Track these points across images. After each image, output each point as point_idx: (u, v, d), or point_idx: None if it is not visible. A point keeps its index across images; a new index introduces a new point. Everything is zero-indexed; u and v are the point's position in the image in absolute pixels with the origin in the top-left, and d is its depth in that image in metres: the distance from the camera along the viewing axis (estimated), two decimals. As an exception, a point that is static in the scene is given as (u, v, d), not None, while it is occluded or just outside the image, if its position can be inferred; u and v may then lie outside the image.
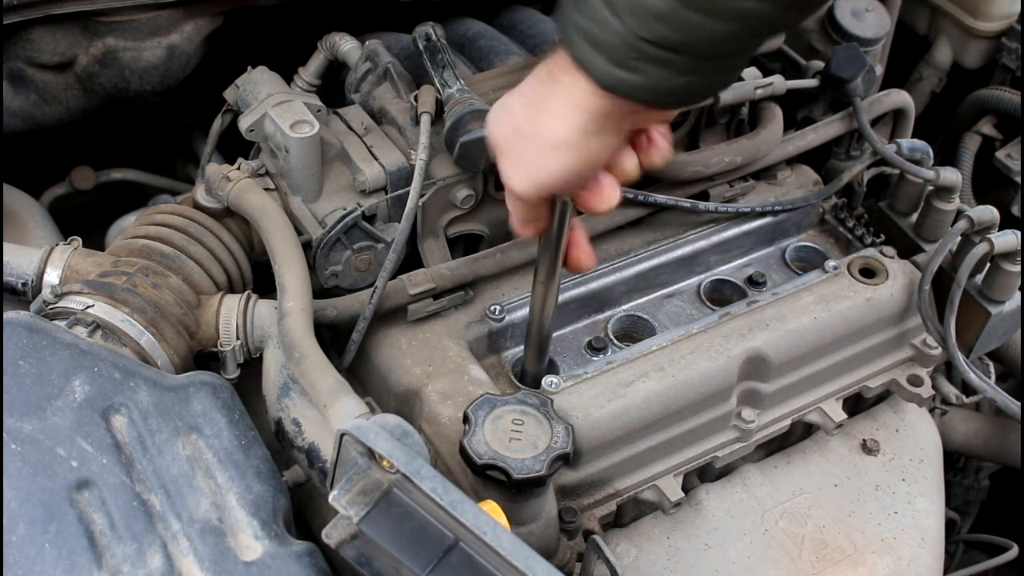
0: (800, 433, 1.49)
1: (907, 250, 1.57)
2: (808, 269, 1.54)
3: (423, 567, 0.89)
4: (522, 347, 1.40)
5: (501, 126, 1.01)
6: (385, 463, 0.91)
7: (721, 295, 1.54)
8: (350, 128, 1.43)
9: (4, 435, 0.99)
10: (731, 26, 0.85)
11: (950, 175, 1.53)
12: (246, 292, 1.30)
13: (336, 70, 1.59)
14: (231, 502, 1.01)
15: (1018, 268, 1.46)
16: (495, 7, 1.78)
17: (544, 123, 0.96)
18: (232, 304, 1.27)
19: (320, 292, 1.35)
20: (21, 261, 1.28)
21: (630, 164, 1.03)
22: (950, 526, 1.96)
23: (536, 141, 0.97)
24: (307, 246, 1.34)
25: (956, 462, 2.00)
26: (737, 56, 0.94)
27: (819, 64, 1.64)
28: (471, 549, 0.89)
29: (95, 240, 1.44)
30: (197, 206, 1.37)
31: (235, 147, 1.52)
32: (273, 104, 1.37)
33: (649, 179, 1.48)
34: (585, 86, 0.92)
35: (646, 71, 0.88)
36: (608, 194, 1.03)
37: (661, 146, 1.03)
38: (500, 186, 1.40)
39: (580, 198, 1.05)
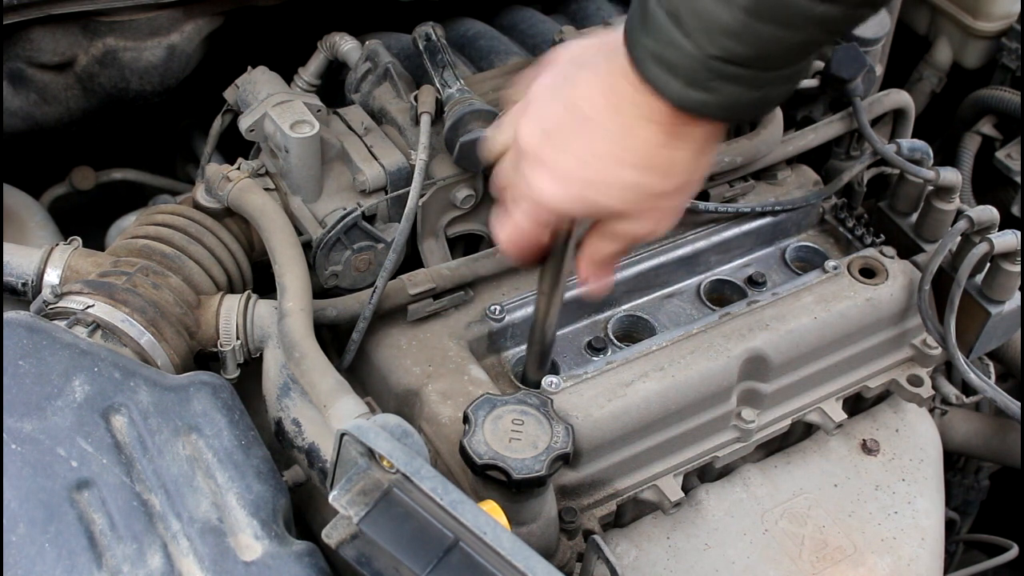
0: (800, 433, 1.49)
1: (907, 250, 1.57)
2: (808, 269, 1.55)
3: (423, 567, 0.89)
4: (522, 346, 1.40)
5: (547, 115, 0.95)
6: (385, 463, 0.91)
7: (721, 295, 1.54)
8: (350, 128, 1.43)
9: (4, 435, 0.99)
10: (804, 33, 0.83)
11: (950, 175, 1.53)
12: (246, 292, 1.30)
13: (336, 70, 1.59)
14: (231, 502, 1.01)
15: (1018, 268, 1.46)
16: (495, 7, 1.78)
17: (624, 129, 0.91)
18: (232, 304, 1.27)
19: (320, 292, 1.35)
20: (21, 261, 1.28)
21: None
22: (950, 526, 1.96)
23: (611, 149, 0.92)
24: (307, 246, 1.34)
25: (956, 462, 2.00)
26: (808, 60, 0.91)
27: (819, 64, 1.64)
28: (471, 549, 0.89)
29: (95, 240, 1.44)
30: (197, 206, 1.37)
31: (235, 147, 1.52)
32: (273, 104, 1.37)
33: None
34: (658, 104, 0.89)
35: (721, 89, 0.86)
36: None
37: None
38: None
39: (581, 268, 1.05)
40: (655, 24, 0.85)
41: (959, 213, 1.51)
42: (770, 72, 0.86)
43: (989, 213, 1.46)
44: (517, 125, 0.98)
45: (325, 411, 1.15)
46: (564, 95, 0.94)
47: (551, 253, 1.13)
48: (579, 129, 0.93)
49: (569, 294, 1.43)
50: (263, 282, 1.38)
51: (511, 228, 1.04)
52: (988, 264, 1.49)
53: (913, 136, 1.71)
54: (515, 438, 1.12)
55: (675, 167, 0.93)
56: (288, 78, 1.52)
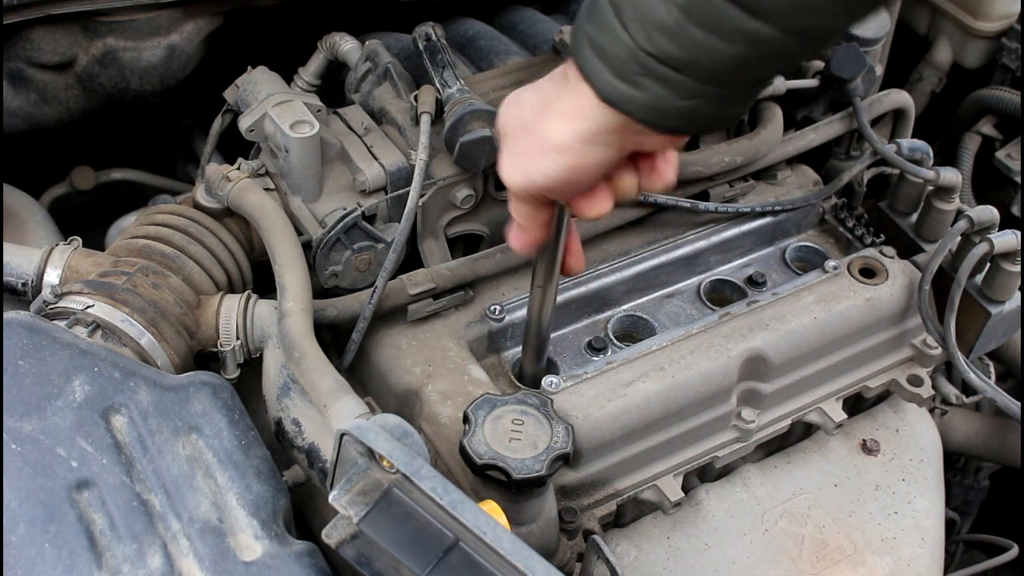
0: (800, 433, 1.49)
1: (907, 250, 1.57)
2: (808, 269, 1.55)
3: (423, 567, 0.89)
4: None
5: (510, 116, 1.01)
6: (385, 463, 0.91)
7: (721, 295, 1.54)
8: (350, 128, 1.43)
9: (4, 435, 0.99)
10: (736, 48, 0.83)
11: (950, 175, 1.53)
12: (246, 292, 1.30)
13: (336, 70, 1.59)
14: (231, 502, 1.01)
15: (1018, 268, 1.46)
16: (495, 7, 1.78)
17: (547, 123, 0.96)
18: (232, 304, 1.27)
19: (320, 292, 1.35)
20: (21, 261, 1.28)
21: (629, 184, 1.02)
22: (950, 526, 1.96)
23: (536, 138, 0.97)
24: (307, 246, 1.34)
25: (956, 462, 2.00)
26: (743, 86, 0.91)
27: (819, 64, 1.64)
28: (471, 549, 0.89)
29: (95, 240, 1.44)
30: (197, 206, 1.37)
31: (235, 147, 1.52)
32: (273, 104, 1.37)
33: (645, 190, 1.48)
34: (592, 95, 0.91)
35: (648, 87, 0.87)
36: (599, 202, 1.02)
37: (664, 174, 1.02)
38: (500, 186, 1.40)
39: (573, 202, 1.05)
40: (598, 10, 0.88)
41: (959, 213, 1.51)
42: (701, 84, 0.87)
43: (989, 213, 1.46)
44: (502, 106, 1.05)
45: (325, 411, 1.15)
46: (539, 83, 1.00)
47: (544, 246, 1.13)
48: (533, 113, 0.98)
49: (570, 295, 1.43)
50: (263, 282, 1.38)
51: (511, 220, 1.10)
52: (988, 264, 1.49)
53: (913, 136, 1.71)
54: (515, 438, 1.12)
55: (587, 162, 0.96)
56: (288, 78, 1.52)
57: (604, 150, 0.95)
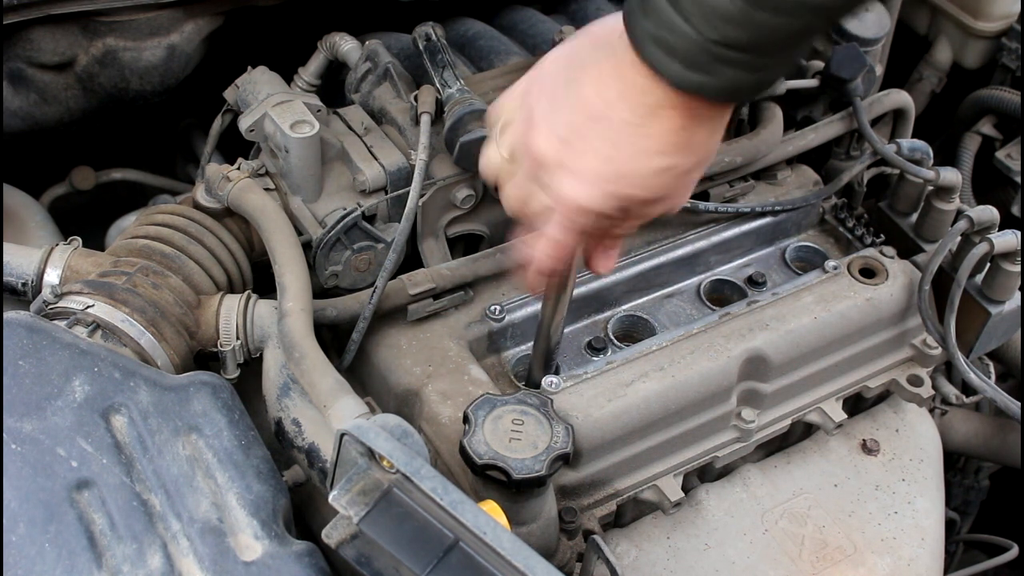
0: (800, 433, 1.49)
1: (907, 250, 1.57)
2: (808, 269, 1.55)
3: (423, 567, 0.89)
4: (523, 346, 1.40)
5: (560, 120, 0.94)
6: (385, 463, 0.91)
7: (721, 295, 1.54)
8: (350, 128, 1.43)
9: (4, 435, 0.99)
10: (802, 20, 0.84)
11: (950, 175, 1.53)
12: (246, 292, 1.30)
13: (336, 70, 1.59)
14: (231, 502, 1.01)
15: (1018, 268, 1.46)
16: (495, 7, 1.78)
17: (642, 119, 0.91)
18: (232, 304, 1.27)
19: (320, 292, 1.35)
20: (21, 261, 1.28)
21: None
22: (950, 526, 1.96)
23: (625, 147, 0.92)
24: (307, 246, 1.34)
25: (956, 462, 2.00)
26: (804, 45, 0.94)
27: (819, 64, 1.64)
28: (471, 549, 0.89)
29: (95, 240, 1.44)
30: (197, 206, 1.37)
31: (235, 147, 1.52)
32: (273, 104, 1.37)
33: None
34: (664, 88, 0.89)
35: (720, 72, 0.87)
36: (613, 254, 1.06)
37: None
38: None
39: (592, 255, 1.07)
40: (654, 7, 0.86)
41: (959, 213, 1.51)
42: (768, 57, 0.87)
43: (989, 213, 1.46)
44: (527, 142, 0.98)
45: (325, 411, 1.15)
46: (572, 98, 0.94)
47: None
48: (596, 127, 0.93)
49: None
50: (263, 282, 1.38)
51: (546, 243, 1.02)
52: (988, 264, 1.49)
53: (913, 136, 1.71)
54: (515, 438, 1.12)
55: (695, 146, 0.93)
56: (288, 78, 1.52)
57: (709, 132, 0.94)
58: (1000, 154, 1.97)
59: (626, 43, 0.89)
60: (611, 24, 0.93)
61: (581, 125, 0.93)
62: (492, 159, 1.06)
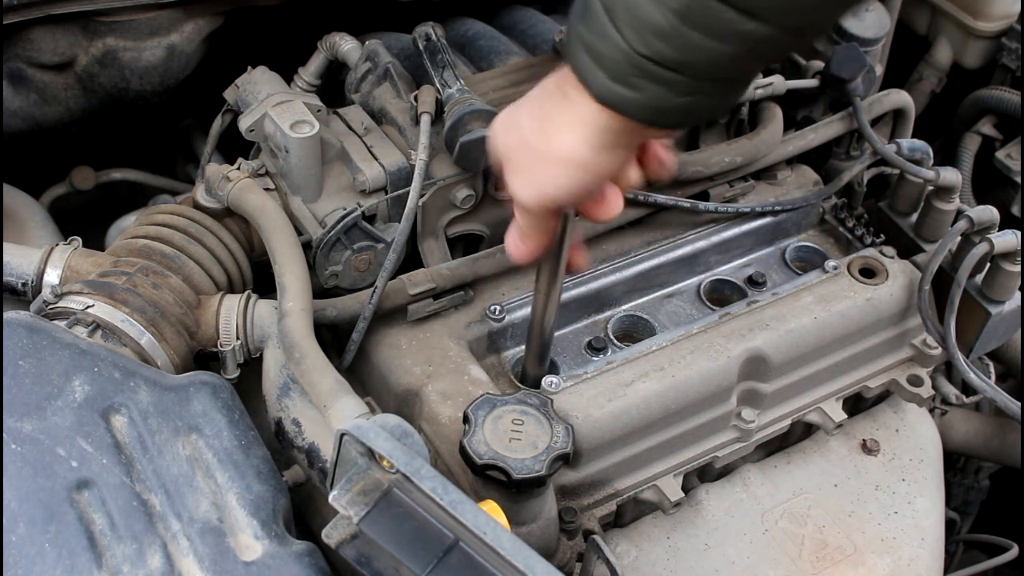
0: (800, 433, 1.49)
1: (907, 250, 1.57)
2: (808, 269, 1.55)
3: (423, 567, 0.89)
4: (522, 347, 1.40)
5: (510, 140, 1.01)
6: (385, 463, 0.91)
7: (721, 295, 1.54)
8: (350, 128, 1.43)
9: (4, 435, 0.99)
10: (732, 48, 0.83)
11: (950, 175, 1.53)
12: (246, 292, 1.30)
13: (336, 70, 1.59)
14: (231, 502, 1.01)
15: (1018, 268, 1.46)
16: (495, 7, 1.78)
17: (553, 138, 0.95)
18: (232, 304, 1.27)
19: (320, 292, 1.35)
20: (21, 261, 1.28)
21: (634, 176, 1.03)
22: (950, 526, 1.96)
23: (545, 156, 0.96)
24: (307, 246, 1.34)
25: (956, 462, 2.00)
26: (739, 79, 0.92)
27: (819, 64, 1.64)
28: (471, 549, 0.89)
29: (95, 240, 1.44)
30: (197, 206, 1.37)
31: (235, 147, 1.52)
32: (273, 104, 1.37)
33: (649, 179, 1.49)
34: (591, 102, 0.91)
35: (645, 89, 0.87)
36: (613, 204, 1.03)
37: (667, 161, 1.03)
38: (500, 186, 1.40)
39: (585, 208, 1.05)
40: (591, 13, 0.87)
41: (959, 213, 1.51)
42: (698, 82, 0.87)
43: (989, 213, 1.46)
44: (494, 129, 1.05)
45: (325, 411, 1.15)
46: (528, 99, 1.00)
47: (547, 252, 1.13)
48: (534, 131, 0.98)
49: (570, 295, 1.43)
50: (263, 282, 1.38)
51: (513, 226, 1.09)
52: (988, 264, 1.49)
53: (913, 136, 1.71)
54: (515, 438, 1.12)
55: (600, 168, 0.97)
56: (288, 78, 1.52)
57: (616, 152, 0.95)
58: (1000, 154, 1.97)
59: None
60: None
61: (531, 132, 0.98)
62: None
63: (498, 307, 1.40)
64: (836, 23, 1.56)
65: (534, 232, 1.08)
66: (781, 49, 0.87)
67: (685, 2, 0.81)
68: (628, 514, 1.37)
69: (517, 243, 1.09)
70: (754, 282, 1.53)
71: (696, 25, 0.82)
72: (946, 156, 2.02)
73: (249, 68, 1.48)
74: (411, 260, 1.40)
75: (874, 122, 1.67)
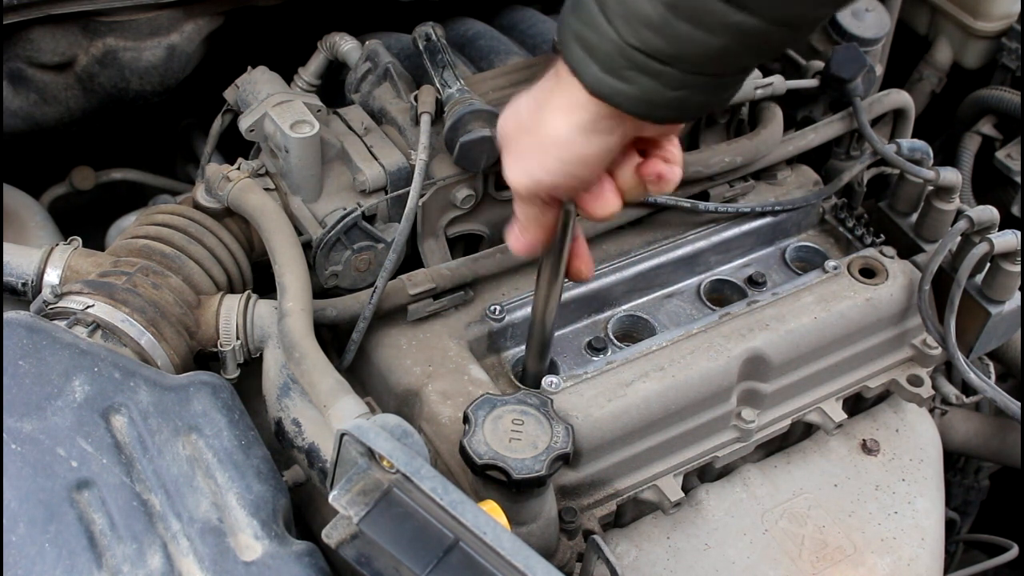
0: (800, 433, 1.49)
1: (907, 250, 1.57)
2: (808, 269, 1.55)
3: (423, 567, 0.89)
4: (522, 347, 1.40)
5: (508, 122, 1.01)
6: (385, 463, 0.91)
7: (721, 295, 1.54)
8: (350, 128, 1.43)
9: (4, 435, 0.99)
10: (722, 40, 0.84)
11: (950, 175, 1.53)
12: (246, 292, 1.30)
13: (336, 70, 1.59)
14: (231, 502, 1.01)
15: (1018, 268, 1.46)
16: (495, 7, 1.78)
17: (544, 120, 0.96)
18: (232, 304, 1.27)
19: (320, 292, 1.35)
20: (21, 261, 1.28)
21: (634, 181, 1.03)
22: (950, 526, 1.96)
23: (536, 137, 0.97)
24: (307, 246, 1.34)
25: (956, 462, 2.00)
26: (731, 74, 0.92)
27: (819, 64, 1.64)
28: (471, 549, 0.89)
29: (95, 240, 1.44)
30: (197, 206, 1.37)
31: (235, 147, 1.52)
32: (273, 104, 1.37)
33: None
34: (582, 88, 0.92)
35: (637, 81, 0.88)
36: (610, 200, 1.03)
37: (667, 175, 1.02)
38: (500, 186, 1.40)
39: (581, 202, 1.05)
40: (583, 5, 0.88)
41: (959, 213, 1.51)
42: (689, 75, 0.87)
43: (989, 213, 1.46)
44: (502, 115, 1.06)
45: (325, 411, 1.15)
46: (534, 87, 1.00)
47: (547, 246, 1.13)
48: (530, 114, 0.99)
49: (570, 295, 1.43)
50: (263, 282, 1.38)
51: (513, 219, 1.10)
52: (988, 264, 1.49)
53: (913, 136, 1.71)
54: (515, 438, 1.12)
55: (591, 153, 0.97)
56: (288, 78, 1.52)
57: (605, 138, 0.95)
58: (1000, 154, 1.97)
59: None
60: None
61: (527, 115, 0.99)
62: None
63: (498, 307, 1.40)
64: (828, 18, 1.56)
65: (531, 224, 1.08)
66: (772, 43, 0.87)
67: None
68: (628, 514, 1.37)
69: (516, 235, 1.10)
70: (754, 282, 1.53)
71: (685, 16, 0.83)
72: (946, 156, 2.02)
73: (249, 68, 1.48)
74: (411, 260, 1.40)
75: (874, 122, 1.67)
